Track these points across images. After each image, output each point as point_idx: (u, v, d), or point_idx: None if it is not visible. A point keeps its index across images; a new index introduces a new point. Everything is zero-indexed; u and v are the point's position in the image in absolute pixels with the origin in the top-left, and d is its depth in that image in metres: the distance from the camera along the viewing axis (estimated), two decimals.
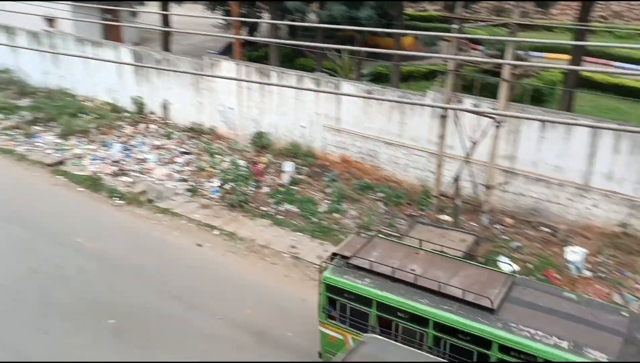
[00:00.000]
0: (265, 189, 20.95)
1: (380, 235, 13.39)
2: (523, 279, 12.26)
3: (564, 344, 9.76)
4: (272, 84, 22.96)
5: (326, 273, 11.77)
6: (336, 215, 19.24)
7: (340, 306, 11.77)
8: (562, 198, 17.98)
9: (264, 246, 17.68)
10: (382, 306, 11.16)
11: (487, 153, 15.93)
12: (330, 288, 11.71)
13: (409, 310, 10.87)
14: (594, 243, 17.08)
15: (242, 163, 22.26)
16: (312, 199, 20.15)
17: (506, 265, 16.05)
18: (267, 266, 16.81)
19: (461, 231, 17.14)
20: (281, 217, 19.33)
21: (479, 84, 20.27)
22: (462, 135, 16.78)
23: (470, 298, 10.57)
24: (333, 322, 12.06)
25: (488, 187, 15.91)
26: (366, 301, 11.33)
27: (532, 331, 10.04)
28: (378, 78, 28.75)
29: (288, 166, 21.75)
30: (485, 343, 10.25)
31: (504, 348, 10.07)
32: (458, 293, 10.68)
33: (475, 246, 16.32)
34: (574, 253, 16.41)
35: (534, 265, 16.43)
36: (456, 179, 17.10)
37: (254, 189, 20.85)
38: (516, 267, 16.02)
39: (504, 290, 10.89)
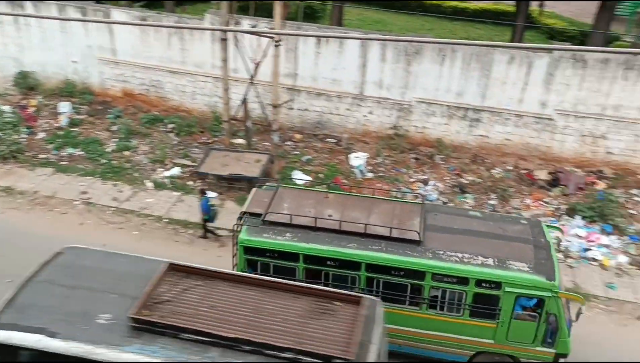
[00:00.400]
0: (41, 135, 19.00)
1: (283, 184, 12.82)
2: (432, 205, 12.68)
3: (490, 261, 10.40)
4: (27, 16, 20.30)
5: (242, 235, 10.96)
6: (126, 153, 18.34)
7: (262, 266, 11.06)
8: (341, 109, 19.37)
9: (50, 197, 16.28)
10: (310, 259, 10.79)
11: (270, 73, 16.32)
12: (249, 250, 10.97)
13: (341, 257, 10.66)
14: (373, 147, 18.91)
15: (6, 108, 19.74)
16: (97, 139, 18.86)
17: (300, 179, 17.06)
18: (58, 217, 15.59)
19: (255, 152, 17.65)
20: (65, 163, 17.84)
21: (255, 4, 20.33)
22: (245, 57, 16.88)
23: (396, 234, 10.70)
24: None
25: (275, 106, 16.44)
26: (292, 256, 10.83)
27: (459, 255, 10.51)
28: (151, 3, 27.11)
29: (64, 107, 19.89)
30: (419, 275, 10.51)
31: (436, 277, 10.45)
32: (384, 232, 10.75)
33: (270, 165, 16.99)
34: (357, 158, 18.03)
35: (324, 175, 17.70)
36: (244, 102, 17.34)
37: (26, 136, 18.78)
38: (308, 178, 17.14)
39: (421, 220, 11.15)
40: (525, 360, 10.86)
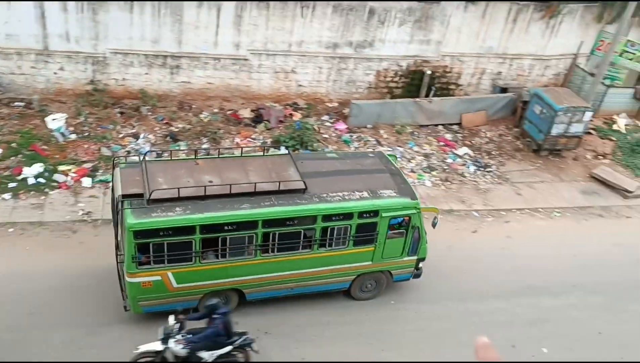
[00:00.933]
0: None
1: (147, 158, 11.79)
2: (295, 155, 13.10)
3: (365, 194, 11.58)
4: None
5: (130, 220, 10.07)
6: None
7: (155, 247, 10.48)
8: (25, 67, 17.24)
9: None
10: (206, 228, 10.55)
11: None
12: (141, 234, 10.21)
13: (238, 220, 10.68)
14: (71, 106, 17.43)
15: None
16: None
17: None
18: None
19: None
20: None
21: None
22: None
23: (283, 186, 11.03)
24: (146, 267, 10.68)
25: None
26: (187, 230, 10.46)
27: (340, 194, 11.43)
28: None
29: None
30: (311, 219, 11.22)
31: (326, 218, 11.22)
32: (273, 187, 10.99)
33: None
34: (55, 121, 16.46)
35: (17, 143, 15.77)
36: None
37: None
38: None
39: (296, 169, 11.62)
40: (396, 271, 12.71)
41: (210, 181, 10.97)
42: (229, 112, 18.63)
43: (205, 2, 17.43)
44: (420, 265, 12.89)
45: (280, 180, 11.16)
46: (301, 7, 18.24)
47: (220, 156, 12.38)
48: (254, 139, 17.70)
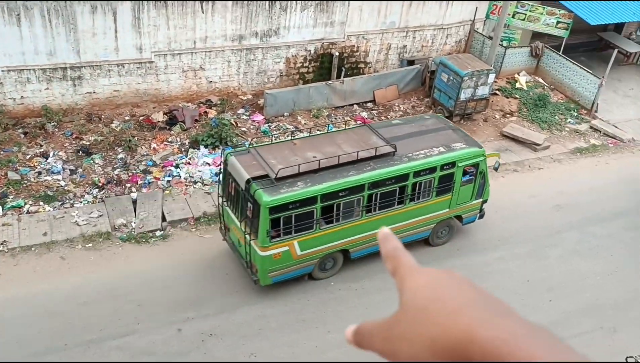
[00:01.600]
0: None
1: (253, 145, 13.12)
2: (372, 125, 14.50)
3: (442, 148, 13.35)
4: None
5: (265, 198, 11.40)
6: None
7: (284, 219, 11.82)
8: None
9: None
10: (325, 197, 12.00)
11: None
12: (274, 209, 11.56)
13: (349, 186, 12.17)
14: None
15: None
16: None
17: None
18: None
19: None
20: None
21: None
22: None
23: (379, 152, 12.68)
24: (276, 239, 11.96)
25: None
26: (310, 200, 11.84)
27: (422, 152, 13.12)
28: None
29: None
30: (405, 177, 12.84)
31: (416, 174, 12.94)
32: (370, 153, 12.63)
33: None
34: None
35: None
36: None
37: None
38: None
39: (379, 136, 13.21)
40: (466, 215, 14.47)
41: (314, 157, 12.35)
42: (141, 118, 18.06)
43: (99, 7, 16.71)
44: (483, 206, 14.66)
45: (370, 147, 12.78)
46: (200, 3, 17.89)
47: (309, 135, 14.00)
48: (170, 142, 17.28)
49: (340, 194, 12.18)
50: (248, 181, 11.74)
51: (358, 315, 12.54)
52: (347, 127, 14.51)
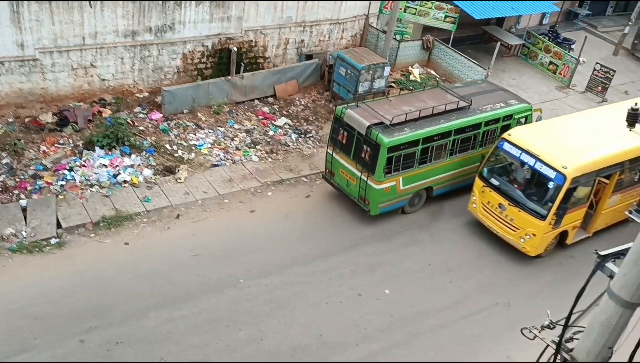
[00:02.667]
0: None
1: (360, 103, 15.85)
2: (443, 86, 18.09)
3: (502, 104, 17.08)
4: None
5: (385, 139, 14.40)
6: None
7: (395, 158, 14.73)
8: None
9: None
10: (425, 139, 15.13)
11: None
12: (391, 149, 14.54)
13: (442, 131, 15.44)
14: None
15: None
16: None
17: None
18: None
19: None
20: None
21: None
22: None
23: (460, 105, 16.09)
24: (388, 175, 14.87)
25: None
26: (414, 143, 14.97)
27: (488, 106, 16.73)
28: None
29: None
30: (478, 125, 16.27)
31: (487, 123, 16.40)
32: (453, 106, 16.00)
33: None
34: None
35: None
36: None
37: None
38: None
39: (454, 94, 16.58)
40: None
41: (410, 110, 15.31)
42: (27, 119, 16.87)
43: None
44: None
45: (461, 100, 16.20)
46: None
47: (399, 95, 17.65)
48: (62, 144, 16.31)
49: (435, 138, 15.38)
50: (369, 127, 14.73)
51: (268, 310, 12.56)
52: (424, 89, 17.91)
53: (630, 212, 10.60)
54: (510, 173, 15.44)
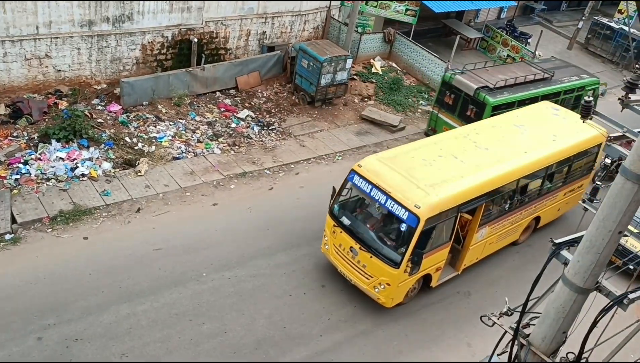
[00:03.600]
0: None
1: (464, 69, 19.16)
2: (525, 62, 21.76)
3: (576, 77, 20.47)
4: None
5: (491, 99, 17.73)
6: None
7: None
8: None
9: None
10: (519, 103, 18.02)
11: None
12: (494, 108, 17.62)
13: (532, 97, 18.53)
14: None
15: None
16: None
17: None
18: None
19: None
20: None
21: None
22: None
23: (546, 76, 19.49)
24: None
25: None
26: (511, 104, 17.92)
27: (566, 78, 19.88)
28: None
29: None
30: (557, 93, 19.30)
31: (566, 92, 19.55)
32: (542, 75, 19.48)
33: None
34: None
35: None
36: None
37: None
38: None
39: (536, 68, 20.00)
40: None
41: (505, 79, 18.34)
42: None
43: None
44: None
45: (546, 72, 19.58)
46: None
47: (493, 65, 20.74)
48: (16, 137, 15.82)
49: (526, 102, 17.96)
50: (477, 90, 17.94)
51: (232, 303, 12.51)
52: (511, 63, 21.95)
53: (584, 201, 10.96)
54: (363, 210, 13.25)
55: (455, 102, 18.51)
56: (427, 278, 13.18)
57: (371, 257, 12.32)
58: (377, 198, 12.37)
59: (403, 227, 12.00)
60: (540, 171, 14.67)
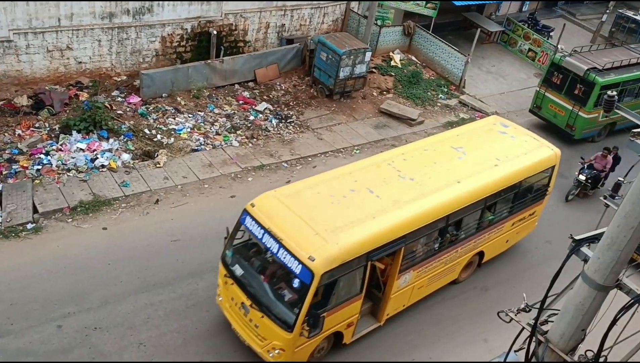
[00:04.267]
0: None
1: (572, 52, 20.68)
2: (625, 47, 22.36)
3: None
4: None
5: (600, 80, 19.23)
6: None
7: (602, 95, 18.45)
8: None
9: None
10: (624, 83, 20.02)
11: None
12: (603, 87, 19.06)
13: (636, 78, 20.36)
14: None
15: None
16: None
17: None
18: None
19: None
20: None
21: None
22: None
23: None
24: (595, 108, 19.67)
25: None
26: (617, 84, 19.61)
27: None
28: None
29: None
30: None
31: (626, 83, 20.29)
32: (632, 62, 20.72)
33: None
34: None
35: None
36: None
37: None
38: None
39: (637, 53, 21.28)
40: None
41: (611, 61, 20.00)
42: (1, 102, 16.54)
43: None
44: None
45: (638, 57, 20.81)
46: None
47: (589, 50, 21.32)
48: (38, 128, 16.03)
49: (630, 82, 20.10)
50: (587, 70, 19.40)
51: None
52: (611, 48, 22.25)
53: (605, 198, 10.78)
54: (257, 259, 11.03)
55: (563, 82, 20.25)
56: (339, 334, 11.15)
57: (262, 317, 10.28)
58: (269, 245, 10.26)
59: (296, 283, 10.03)
60: (478, 203, 12.49)
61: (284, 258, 9.99)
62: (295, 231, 10.22)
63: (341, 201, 11.06)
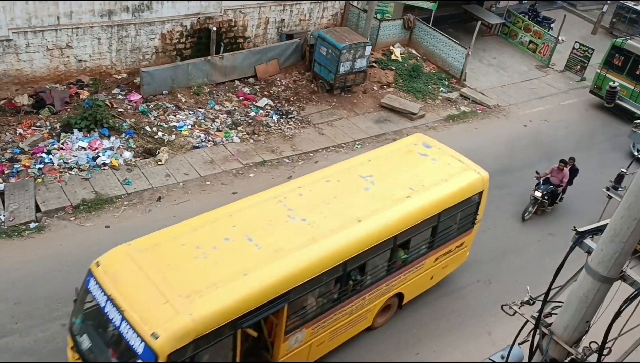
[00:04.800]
0: None
1: (633, 36, 23.55)
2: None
3: None
4: None
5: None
6: None
7: None
8: None
9: None
10: None
11: None
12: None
13: None
14: None
15: None
16: None
17: None
18: None
19: None
20: None
21: None
22: None
23: None
24: None
25: None
26: None
27: None
28: None
29: None
30: None
31: None
32: None
33: None
34: None
35: None
36: None
37: None
38: None
39: None
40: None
41: None
42: (2, 101, 16.53)
43: None
44: None
45: None
46: None
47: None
48: (39, 127, 16.03)
49: None
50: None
51: None
52: None
53: (608, 189, 10.76)
54: (105, 331, 8.79)
55: (624, 64, 22.36)
56: None
57: None
58: (111, 317, 8.29)
59: None
60: (385, 243, 10.60)
61: (126, 333, 8.04)
62: (142, 299, 8.26)
63: (209, 255, 9.08)
